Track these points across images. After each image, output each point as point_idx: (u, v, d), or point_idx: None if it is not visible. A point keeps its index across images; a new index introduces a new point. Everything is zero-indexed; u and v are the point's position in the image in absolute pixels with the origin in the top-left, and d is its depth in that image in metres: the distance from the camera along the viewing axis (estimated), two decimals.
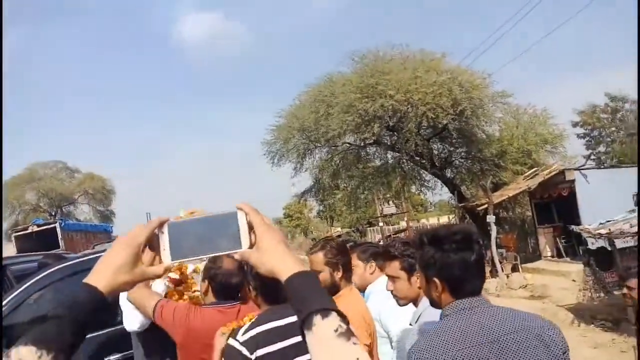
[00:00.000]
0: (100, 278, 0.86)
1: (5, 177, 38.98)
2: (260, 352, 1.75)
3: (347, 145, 18.08)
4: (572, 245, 14.70)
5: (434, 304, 1.69)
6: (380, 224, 26.92)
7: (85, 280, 0.87)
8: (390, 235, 22.78)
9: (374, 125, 15.60)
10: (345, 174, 18.88)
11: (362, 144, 17.81)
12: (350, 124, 15.47)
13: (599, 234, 8.86)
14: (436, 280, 1.60)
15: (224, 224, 0.94)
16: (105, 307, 0.87)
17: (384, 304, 2.52)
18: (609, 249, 9.10)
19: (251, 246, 0.91)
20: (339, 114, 15.56)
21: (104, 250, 3.97)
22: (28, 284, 3.14)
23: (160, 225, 0.93)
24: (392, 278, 2.18)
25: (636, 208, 8.11)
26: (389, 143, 17.94)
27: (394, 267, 2.18)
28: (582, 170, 15.11)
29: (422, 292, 1.84)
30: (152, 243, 0.93)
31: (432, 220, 33.46)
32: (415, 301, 2.15)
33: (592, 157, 16.52)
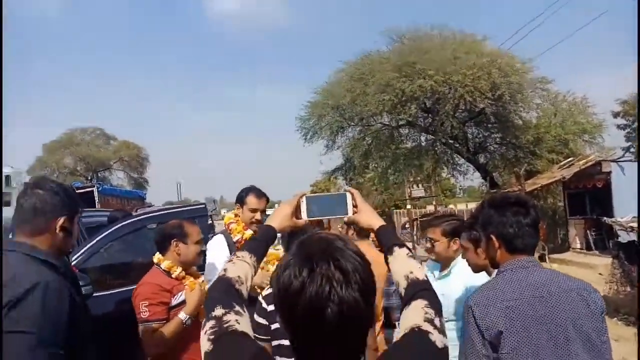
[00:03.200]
0: (275, 221, 1.50)
1: (44, 141, 40.52)
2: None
3: (381, 125, 18.07)
4: (602, 238, 14.50)
5: (493, 263, 1.92)
6: (408, 206, 26.90)
7: (267, 222, 1.51)
8: (417, 219, 22.79)
9: (410, 105, 15.50)
10: (377, 154, 18.86)
11: (396, 125, 17.78)
12: (387, 103, 15.39)
13: (631, 227, 8.81)
14: (493, 237, 1.84)
15: (338, 199, 1.56)
16: (275, 238, 1.50)
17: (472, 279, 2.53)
18: None
19: (353, 213, 1.52)
20: (375, 93, 15.50)
21: (152, 212, 4.30)
22: (99, 237, 3.47)
23: (302, 196, 1.54)
24: (464, 249, 2.44)
25: None
26: (423, 125, 17.84)
27: (463, 238, 2.46)
28: (619, 163, 14.83)
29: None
30: (296, 207, 1.53)
31: (460, 206, 33.09)
32: (486, 269, 2.35)
33: (632, 149, 16.05)
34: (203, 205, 4.20)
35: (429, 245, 2.84)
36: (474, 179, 21.00)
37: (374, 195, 33.20)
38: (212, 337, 1.07)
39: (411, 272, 1.28)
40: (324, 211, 1.55)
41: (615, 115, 28.86)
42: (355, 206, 1.53)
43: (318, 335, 0.95)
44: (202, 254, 2.91)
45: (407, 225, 23.33)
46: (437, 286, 2.78)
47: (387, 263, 1.39)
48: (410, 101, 15.50)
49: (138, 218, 3.89)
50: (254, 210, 3.13)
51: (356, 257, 0.99)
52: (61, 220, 1.78)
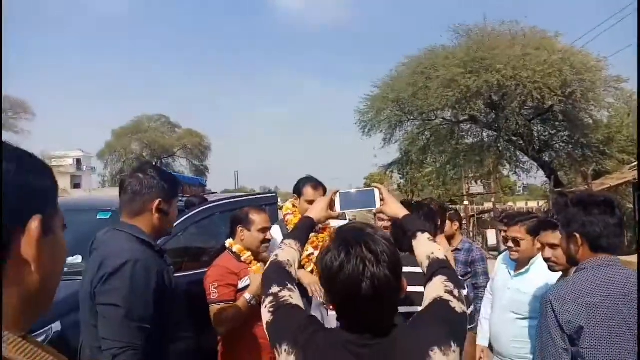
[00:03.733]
0: (313, 213, 1.77)
1: (113, 127, 42.66)
2: None
3: (441, 120, 17.77)
4: None
5: (571, 260, 1.90)
6: (465, 202, 26.22)
7: (306, 214, 1.78)
8: (474, 215, 22.23)
9: (476, 101, 15.18)
10: (436, 149, 18.58)
11: (457, 120, 17.43)
12: (451, 99, 15.14)
13: None
14: (577, 235, 1.81)
15: (367, 194, 1.79)
16: (314, 227, 1.78)
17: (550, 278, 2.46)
18: None
19: (381, 205, 1.76)
20: (438, 88, 15.25)
21: (223, 199, 4.43)
22: (179, 221, 3.66)
23: (335, 192, 1.81)
24: (553, 246, 2.28)
25: None
26: (485, 121, 17.40)
27: (557, 236, 2.17)
28: None
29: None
30: (331, 201, 1.80)
31: (519, 204, 31.90)
32: (567, 271, 2.23)
33: None
34: (274, 194, 4.32)
35: (511, 244, 2.74)
36: (537, 177, 20.24)
37: (430, 190, 32.67)
38: (271, 309, 1.30)
39: (432, 253, 1.49)
40: (354, 204, 1.83)
41: None
42: (382, 199, 1.75)
43: (356, 305, 1.15)
44: (266, 241, 2.93)
45: (464, 222, 22.68)
46: (514, 283, 2.73)
47: (411, 247, 1.59)
48: (476, 97, 15.15)
49: (210, 205, 4.01)
50: (310, 202, 3.15)
51: (384, 241, 1.19)
52: (156, 202, 1.90)
